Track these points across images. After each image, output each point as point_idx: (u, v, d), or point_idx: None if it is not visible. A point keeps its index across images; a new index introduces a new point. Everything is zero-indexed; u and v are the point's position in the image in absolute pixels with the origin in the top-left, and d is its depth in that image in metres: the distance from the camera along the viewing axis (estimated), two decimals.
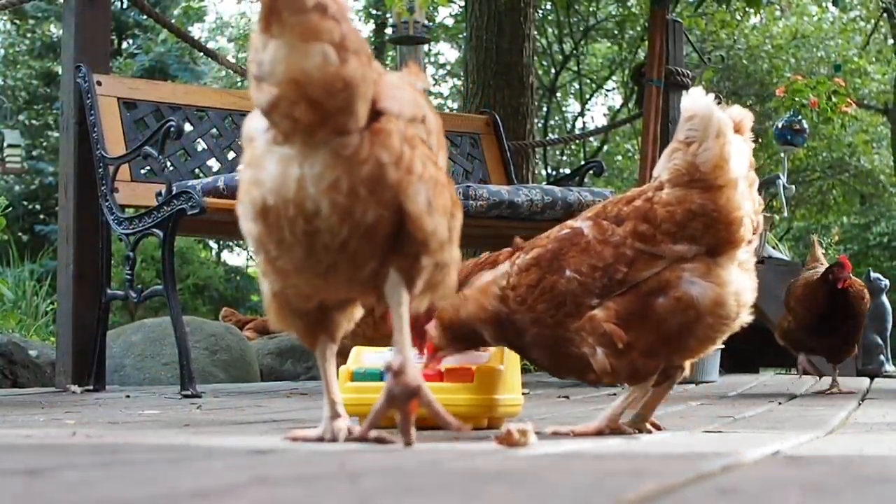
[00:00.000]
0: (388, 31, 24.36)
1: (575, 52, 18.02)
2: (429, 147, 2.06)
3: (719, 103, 2.58)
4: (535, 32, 12.70)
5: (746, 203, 2.53)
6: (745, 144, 2.56)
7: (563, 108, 23.24)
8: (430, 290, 2.14)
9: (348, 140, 1.88)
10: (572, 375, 2.67)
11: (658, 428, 2.72)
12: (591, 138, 20.06)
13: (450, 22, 21.47)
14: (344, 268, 1.99)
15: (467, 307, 2.65)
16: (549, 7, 16.91)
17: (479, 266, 2.74)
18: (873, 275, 10.44)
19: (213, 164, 6.29)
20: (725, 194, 2.51)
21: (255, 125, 2.02)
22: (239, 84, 22.76)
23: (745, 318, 2.56)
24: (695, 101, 2.55)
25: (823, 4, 21.47)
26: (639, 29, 16.60)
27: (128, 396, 5.16)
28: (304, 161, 1.87)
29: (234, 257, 25.76)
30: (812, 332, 5.10)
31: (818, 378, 5.73)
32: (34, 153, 21.26)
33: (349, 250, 1.95)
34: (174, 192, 5.31)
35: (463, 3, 16.91)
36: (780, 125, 9.92)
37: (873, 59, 21.59)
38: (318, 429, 2.23)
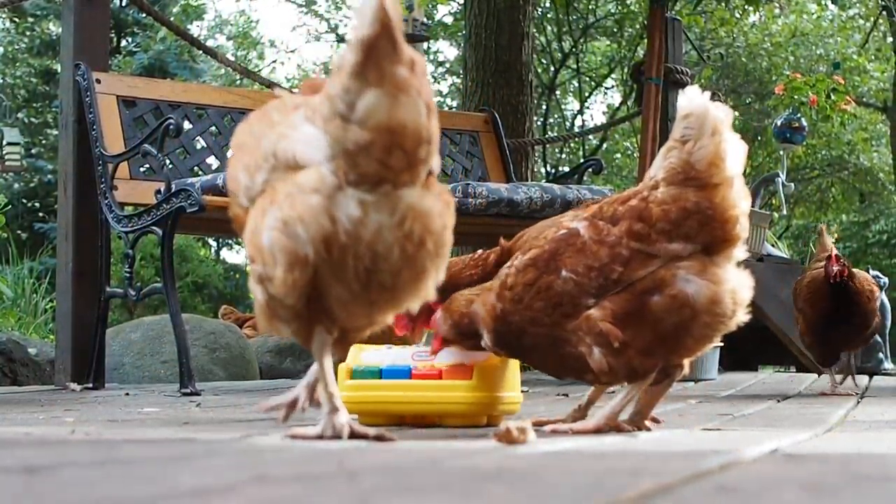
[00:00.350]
0: None
1: (574, 50, 18.01)
2: None
3: (717, 100, 2.58)
4: (535, 30, 12.69)
5: (742, 201, 2.54)
6: (740, 143, 2.56)
7: (563, 107, 23.23)
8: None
9: (424, 195, 2.02)
10: (571, 375, 2.67)
11: (657, 422, 2.72)
12: (591, 136, 20.05)
13: (449, 20, 21.45)
14: (385, 301, 2.13)
15: (474, 306, 2.66)
16: (548, 5, 16.90)
17: (466, 267, 2.75)
18: (872, 272, 10.44)
19: (213, 161, 6.29)
20: (721, 192, 2.51)
21: (303, 153, 2.07)
22: (238, 82, 22.76)
23: (742, 316, 2.56)
24: (691, 99, 2.55)
25: (822, 2, 21.48)
26: (638, 27, 16.58)
27: (127, 394, 5.16)
28: (384, 209, 1.99)
29: (233, 255, 25.79)
30: (822, 332, 4.95)
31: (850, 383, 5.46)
32: (33, 151, 21.26)
33: (398, 289, 2.10)
34: (173, 190, 5.31)
35: (462, 2, 16.92)
36: (779, 123, 9.92)
37: (872, 57, 21.59)
38: (318, 426, 2.24)
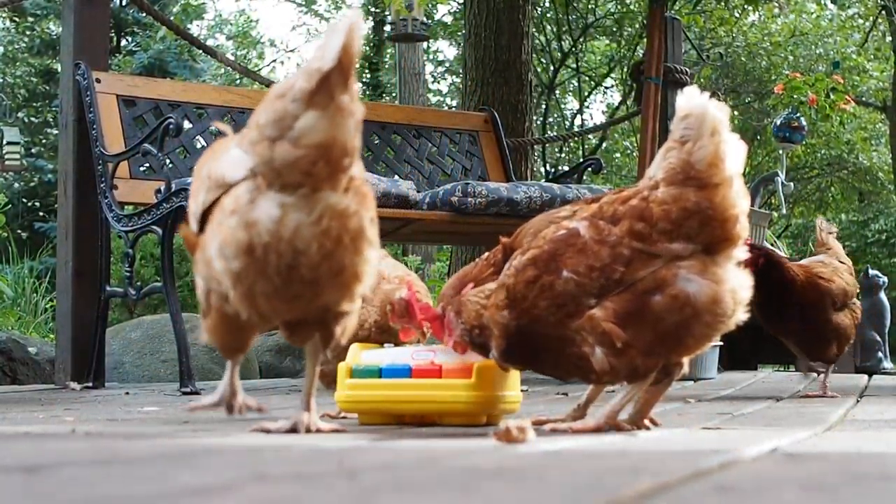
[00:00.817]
0: (387, 28, 24.36)
1: (573, 49, 18.00)
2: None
3: (715, 98, 2.59)
4: (534, 30, 12.69)
5: (742, 201, 2.54)
6: (739, 143, 2.56)
7: (562, 106, 23.21)
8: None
9: (342, 197, 2.23)
10: (577, 376, 2.67)
11: (656, 424, 2.73)
12: (590, 136, 20.03)
13: (448, 19, 21.45)
14: (310, 294, 2.30)
15: (485, 318, 2.66)
16: (547, 4, 16.89)
17: (482, 270, 2.76)
18: (871, 272, 10.45)
19: None
20: (721, 192, 2.51)
21: (229, 172, 2.31)
22: (238, 81, 22.76)
23: (742, 315, 2.57)
24: (690, 99, 2.55)
25: (822, 2, 21.46)
26: (637, 26, 16.57)
27: (127, 394, 5.17)
28: (303, 208, 2.20)
29: None
30: (765, 325, 4.62)
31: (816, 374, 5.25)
32: (33, 151, 21.25)
33: (318, 284, 2.28)
34: (173, 190, 5.31)
35: (461, 1, 16.91)
36: (778, 122, 9.92)
37: (872, 57, 21.58)
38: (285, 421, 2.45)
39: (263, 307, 2.32)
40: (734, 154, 2.54)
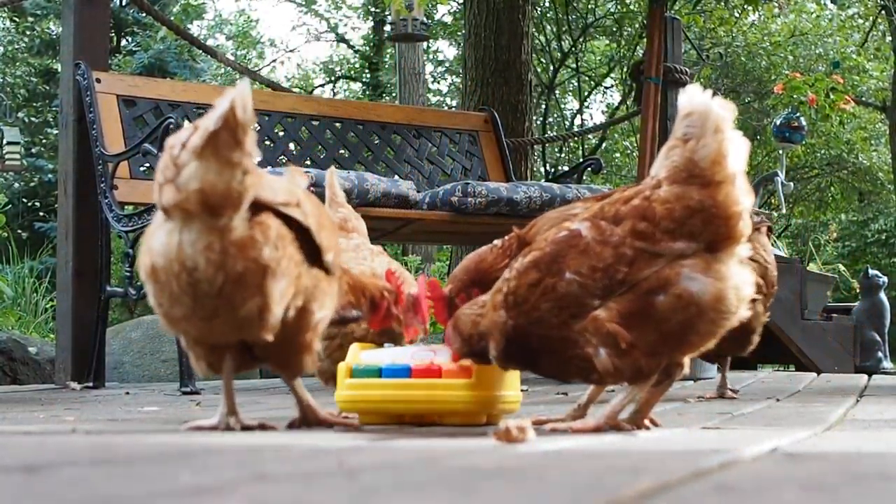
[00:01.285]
0: (387, 28, 24.36)
1: (573, 49, 17.99)
2: (307, 227, 2.58)
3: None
4: (534, 30, 12.69)
5: (745, 198, 2.54)
6: (742, 140, 2.56)
7: (562, 106, 23.21)
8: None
9: (222, 219, 2.41)
10: (578, 377, 2.67)
11: (656, 424, 2.72)
12: (590, 136, 20.03)
13: (448, 19, 21.46)
14: (223, 311, 2.47)
15: (481, 326, 2.66)
16: (547, 4, 16.89)
17: (497, 258, 2.75)
18: (871, 272, 10.45)
19: None
20: (724, 190, 2.51)
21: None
22: (238, 81, 22.75)
23: (744, 312, 2.57)
24: (692, 97, 2.54)
25: (822, 2, 21.46)
26: (637, 26, 16.58)
27: (127, 393, 5.17)
28: (183, 230, 2.42)
29: None
30: None
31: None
32: (33, 151, 21.25)
33: (225, 294, 2.44)
34: None
35: (461, 1, 16.90)
36: (778, 122, 9.92)
37: (871, 57, 21.58)
38: (212, 419, 2.62)
39: (191, 330, 2.57)
40: (737, 151, 2.53)
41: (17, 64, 23.47)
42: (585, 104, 22.58)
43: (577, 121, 22.09)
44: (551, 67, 18.13)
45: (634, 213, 2.55)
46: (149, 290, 2.53)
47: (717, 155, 2.50)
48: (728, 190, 2.51)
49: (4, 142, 12.83)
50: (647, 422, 2.68)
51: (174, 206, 2.41)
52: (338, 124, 7.09)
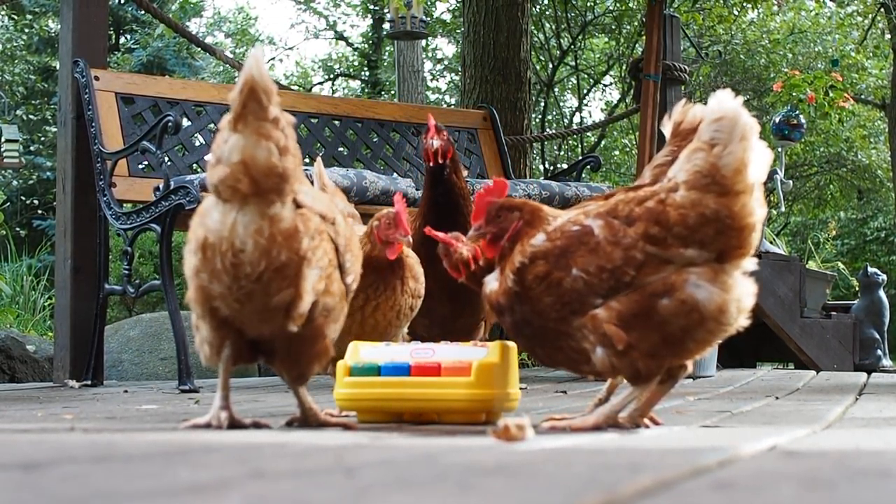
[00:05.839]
0: (386, 26, 24.34)
1: (572, 46, 17.97)
2: (336, 246, 2.69)
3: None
4: (533, 27, 12.69)
5: (759, 210, 2.52)
6: (766, 150, 2.53)
7: (561, 103, 23.20)
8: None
9: (274, 206, 2.52)
10: (565, 367, 2.67)
11: (656, 422, 2.72)
12: (589, 133, 20.01)
13: (447, 17, 21.43)
14: (258, 297, 2.54)
15: (506, 261, 2.68)
16: (546, 2, 16.88)
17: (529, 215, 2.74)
18: (870, 269, 10.46)
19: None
20: (741, 200, 2.48)
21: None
22: (237, 79, 22.74)
23: (743, 322, 2.56)
24: (722, 102, 2.50)
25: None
26: (636, 24, 16.56)
27: (126, 391, 5.17)
28: (239, 212, 2.51)
29: None
30: None
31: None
32: (32, 148, 21.24)
33: (263, 281, 2.52)
34: (172, 187, 5.31)
35: None
36: (777, 120, 9.92)
37: (870, 55, 21.56)
38: (206, 416, 2.65)
39: (222, 307, 2.59)
40: (760, 162, 2.51)
41: (16, 61, 23.46)
42: (584, 102, 22.58)
43: (576, 118, 22.09)
44: (550, 65, 18.12)
45: (648, 215, 2.52)
46: (192, 262, 2.58)
47: (741, 164, 2.47)
48: (745, 201, 2.49)
49: (3, 139, 12.80)
50: (647, 420, 2.67)
51: (222, 181, 2.49)
52: (337, 122, 7.09)
